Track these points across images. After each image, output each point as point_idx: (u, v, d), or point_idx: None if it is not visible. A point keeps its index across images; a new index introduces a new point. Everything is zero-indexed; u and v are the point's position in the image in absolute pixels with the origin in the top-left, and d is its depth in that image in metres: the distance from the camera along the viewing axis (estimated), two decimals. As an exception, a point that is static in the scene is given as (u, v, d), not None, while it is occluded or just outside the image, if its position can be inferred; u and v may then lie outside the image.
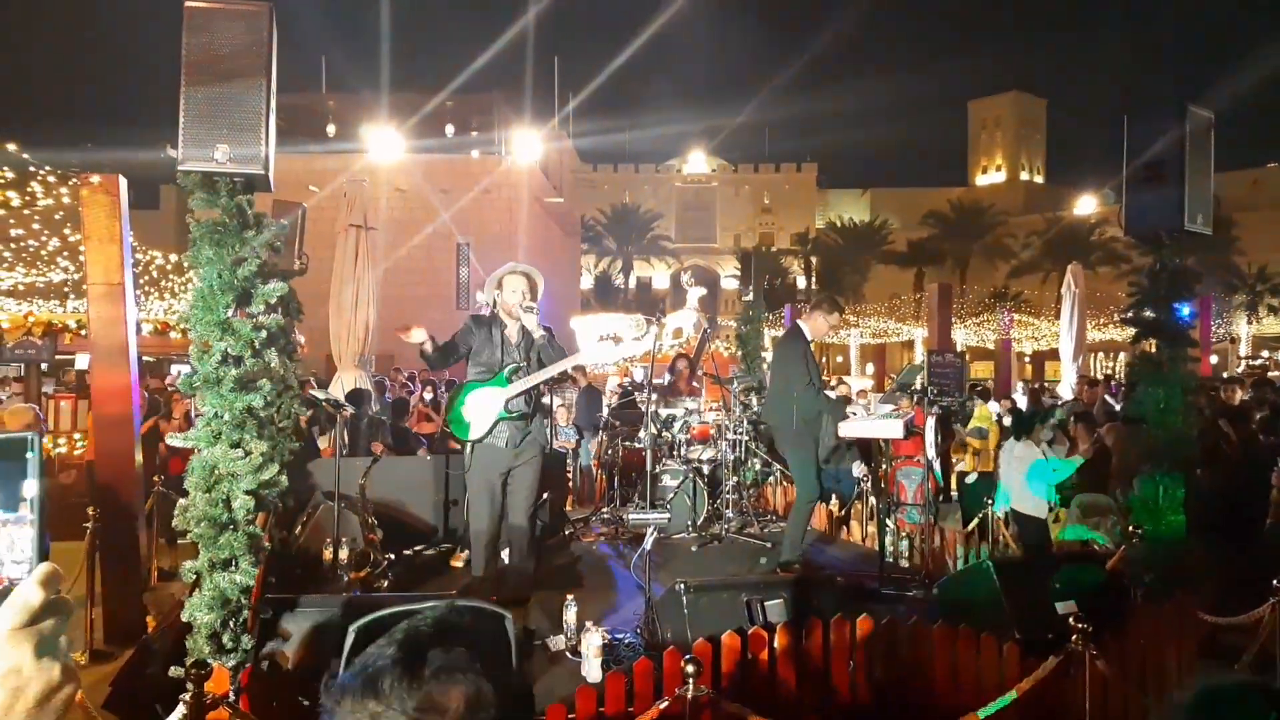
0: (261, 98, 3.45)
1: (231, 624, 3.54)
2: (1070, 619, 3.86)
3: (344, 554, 5.52)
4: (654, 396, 8.88)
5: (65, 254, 10.70)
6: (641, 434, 7.82)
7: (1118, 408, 9.84)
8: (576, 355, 5.40)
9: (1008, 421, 9.93)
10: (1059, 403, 13.25)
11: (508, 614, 1.13)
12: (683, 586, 4.46)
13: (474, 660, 1.05)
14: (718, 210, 79.22)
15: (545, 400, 6.41)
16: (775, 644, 4.12)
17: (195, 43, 3.40)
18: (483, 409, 5.16)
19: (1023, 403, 13.13)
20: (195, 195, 3.55)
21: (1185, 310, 5.37)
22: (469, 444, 5.23)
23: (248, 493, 3.56)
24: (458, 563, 6.55)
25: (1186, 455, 5.28)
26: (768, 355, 11.78)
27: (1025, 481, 7.26)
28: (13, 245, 10.32)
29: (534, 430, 5.37)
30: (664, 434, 8.14)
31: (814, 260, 63.01)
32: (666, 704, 3.23)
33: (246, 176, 3.56)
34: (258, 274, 3.61)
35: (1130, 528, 5.53)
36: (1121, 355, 37.85)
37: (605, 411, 9.97)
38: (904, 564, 7.03)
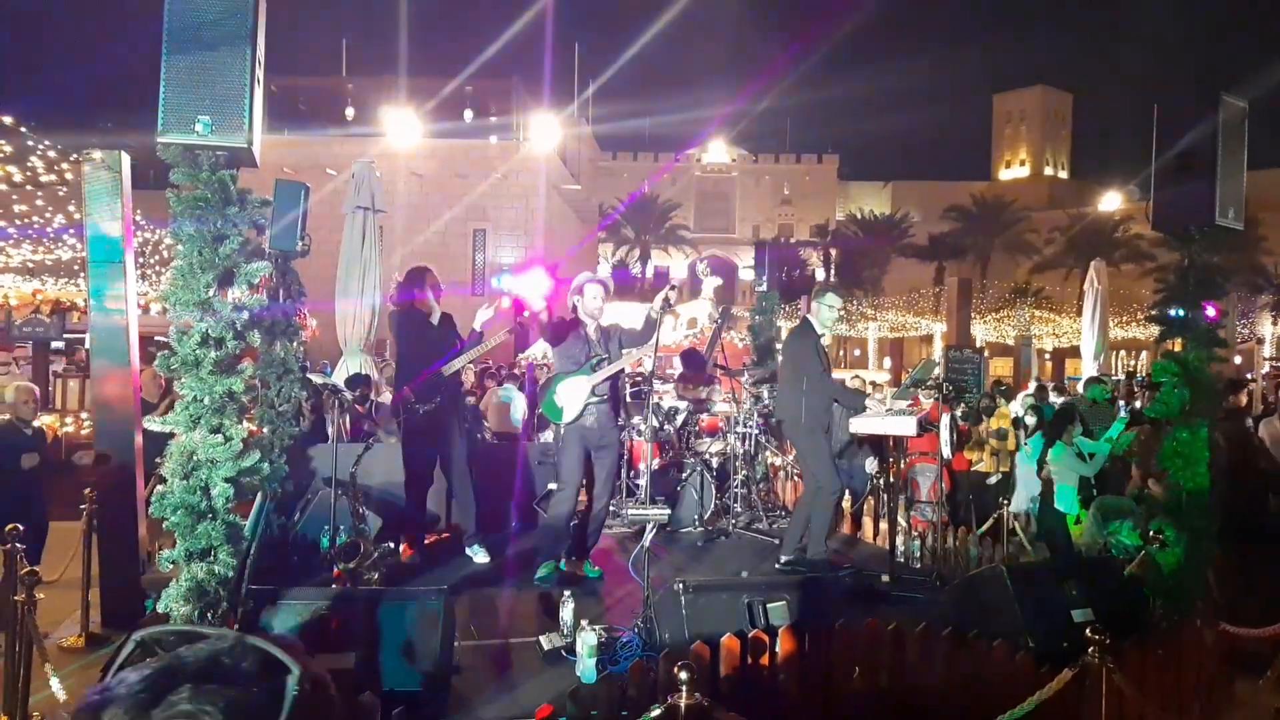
0: (246, 68, 3.29)
1: (209, 617, 3.41)
2: (1087, 629, 3.68)
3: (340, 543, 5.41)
4: (665, 387, 8.73)
5: (71, 231, 10.59)
6: (641, 426, 7.67)
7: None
8: (647, 346, 5.93)
9: (1030, 419, 9.71)
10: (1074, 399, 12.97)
11: (295, 669, 0.95)
12: (681, 586, 4.31)
13: (228, 713, 0.89)
14: (737, 200, 78.93)
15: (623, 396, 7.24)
16: (777, 648, 3.97)
17: (177, 8, 3.25)
18: (574, 395, 5.94)
19: (1056, 400, 12.84)
20: (176, 170, 3.41)
21: (1210, 310, 5.16)
22: (562, 426, 6.03)
23: (227, 480, 3.41)
24: (482, 558, 6.42)
25: (1212, 458, 5.07)
26: (780, 348, 11.61)
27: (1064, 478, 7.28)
28: (18, 222, 10.22)
29: (616, 417, 6.23)
30: (665, 428, 7.98)
31: (833, 252, 62.60)
32: (658, 713, 3.07)
33: (230, 150, 3.41)
34: (240, 252, 3.46)
35: (1151, 532, 5.34)
36: (1144, 354, 37.40)
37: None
38: (916, 564, 6.85)
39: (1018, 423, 9.94)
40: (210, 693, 0.90)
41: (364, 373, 8.43)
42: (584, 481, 6.13)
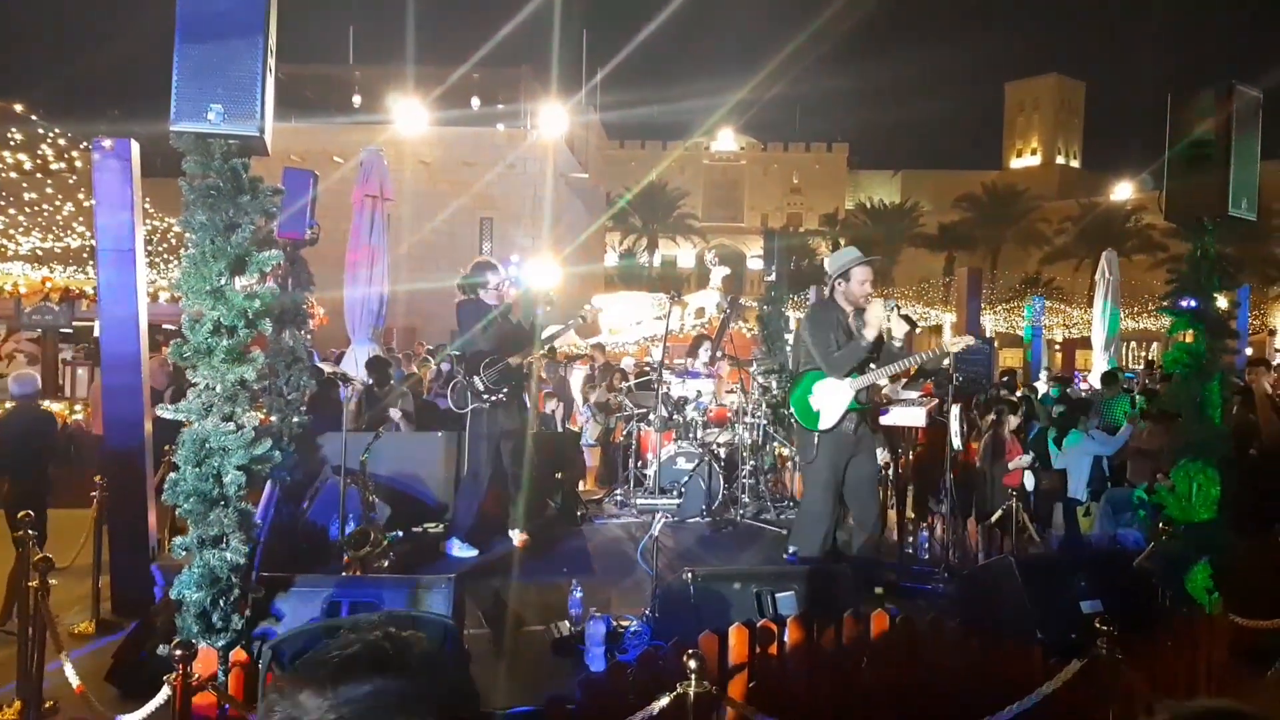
0: (258, 57, 3.30)
1: (221, 603, 3.44)
2: (1096, 620, 3.68)
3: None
4: (673, 378, 8.72)
5: (80, 219, 10.63)
6: (651, 416, 7.67)
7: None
8: (914, 355, 5.51)
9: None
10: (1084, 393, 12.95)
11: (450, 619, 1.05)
12: (690, 575, 4.32)
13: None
14: (746, 189, 78.71)
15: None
16: (785, 638, 3.97)
17: (190, -4, 3.26)
18: (833, 399, 5.19)
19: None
20: (188, 158, 3.42)
21: (1222, 301, 5.15)
22: (815, 433, 5.22)
23: (239, 468, 3.43)
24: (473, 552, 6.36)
25: (1223, 450, 5.05)
26: (790, 338, 11.59)
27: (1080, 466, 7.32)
28: (27, 210, 10.27)
29: (871, 420, 5.42)
30: (675, 416, 7.99)
31: (842, 242, 62.38)
32: (667, 701, 3.09)
33: (241, 139, 3.42)
34: (252, 240, 3.47)
35: (1160, 524, 5.33)
36: (1154, 345, 37.24)
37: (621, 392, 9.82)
38: (924, 555, 6.85)
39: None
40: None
41: (380, 356, 8.48)
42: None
